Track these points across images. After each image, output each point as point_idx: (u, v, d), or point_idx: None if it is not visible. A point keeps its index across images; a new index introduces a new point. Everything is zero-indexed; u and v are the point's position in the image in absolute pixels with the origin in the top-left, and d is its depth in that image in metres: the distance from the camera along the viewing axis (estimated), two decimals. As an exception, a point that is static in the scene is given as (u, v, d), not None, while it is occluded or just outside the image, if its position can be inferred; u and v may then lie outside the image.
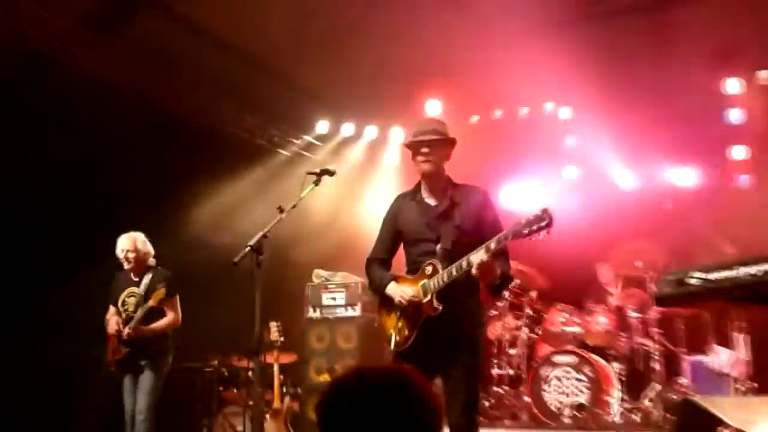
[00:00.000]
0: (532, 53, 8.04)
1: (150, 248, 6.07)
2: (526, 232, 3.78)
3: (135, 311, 5.85)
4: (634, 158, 8.38)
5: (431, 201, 4.29)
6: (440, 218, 4.20)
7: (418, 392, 1.79)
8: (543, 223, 3.73)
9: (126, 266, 6.01)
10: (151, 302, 5.76)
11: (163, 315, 5.91)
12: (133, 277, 6.03)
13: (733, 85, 7.81)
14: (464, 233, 4.10)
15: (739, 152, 7.99)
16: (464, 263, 3.92)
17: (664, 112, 7.92)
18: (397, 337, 4.16)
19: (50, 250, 7.03)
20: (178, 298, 5.99)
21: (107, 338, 6.01)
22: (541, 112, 8.65)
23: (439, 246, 4.13)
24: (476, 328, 4.24)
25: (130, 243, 5.97)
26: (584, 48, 7.70)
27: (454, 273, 3.96)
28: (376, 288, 4.36)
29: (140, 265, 6.00)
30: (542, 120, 8.69)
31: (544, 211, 3.75)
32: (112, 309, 6.09)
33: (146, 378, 5.78)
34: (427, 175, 4.31)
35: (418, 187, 4.36)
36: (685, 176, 8.21)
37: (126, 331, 5.74)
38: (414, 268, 4.24)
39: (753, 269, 2.91)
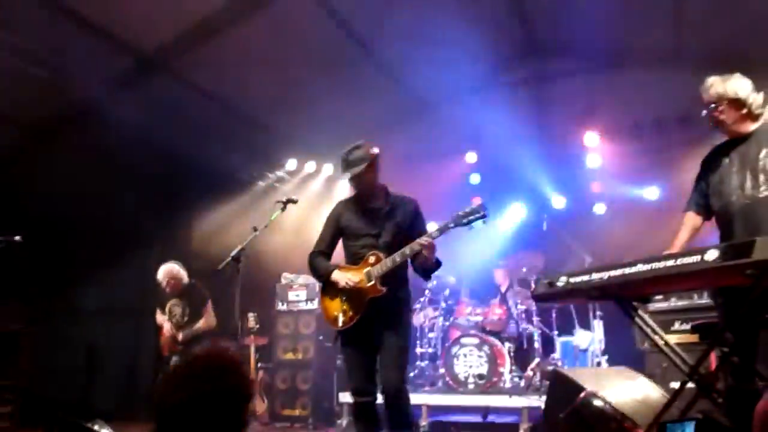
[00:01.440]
0: (454, 110, 8.28)
1: (182, 271, 6.08)
2: (465, 221, 3.64)
3: (182, 318, 5.96)
4: (523, 191, 8.43)
5: (371, 204, 4.02)
6: (382, 217, 3.96)
7: (228, 365, 1.72)
8: (479, 215, 3.62)
9: (167, 290, 6.05)
10: (202, 323, 5.88)
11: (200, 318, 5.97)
12: (174, 292, 6.09)
13: (591, 138, 7.94)
14: (402, 231, 3.87)
15: (596, 187, 8.12)
16: (407, 250, 3.72)
17: (546, 156, 8.02)
18: (343, 318, 3.88)
19: (87, 253, 7.09)
20: (210, 304, 6.02)
21: (159, 333, 6.12)
22: (454, 156, 8.67)
23: (381, 239, 3.89)
24: (408, 310, 4.07)
25: (168, 275, 6.03)
26: (491, 107, 7.98)
27: (398, 259, 3.75)
28: (321, 275, 4.02)
29: (178, 286, 6.05)
30: (455, 162, 8.72)
31: (480, 205, 3.62)
32: (159, 311, 6.15)
33: None
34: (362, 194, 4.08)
35: (359, 195, 4.08)
36: (558, 202, 8.26)
37: (180, 337, 5.86)
38: (356, 259, 3.94)
39: (602, 275, 3.02)
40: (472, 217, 3.63)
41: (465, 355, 6.71)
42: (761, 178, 3.32)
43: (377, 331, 3.80)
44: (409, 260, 3.90)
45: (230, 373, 1.73)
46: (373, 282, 3.80)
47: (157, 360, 6.61)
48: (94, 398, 7.46)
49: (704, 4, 6.38)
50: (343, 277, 3.88)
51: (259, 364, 7.02)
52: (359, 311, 3.84)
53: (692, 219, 3.65)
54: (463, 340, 6.79)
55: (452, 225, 3.69)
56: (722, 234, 3.49)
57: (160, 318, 6.13)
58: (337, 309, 3.94)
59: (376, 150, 4.01)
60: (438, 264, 3.93)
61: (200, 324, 5.91)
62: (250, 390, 1.78)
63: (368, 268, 3.85)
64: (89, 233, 7.46)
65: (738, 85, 3.44)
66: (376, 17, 6.56)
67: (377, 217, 3.98)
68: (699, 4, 6.41)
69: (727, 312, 3.37)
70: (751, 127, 3.47)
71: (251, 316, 6.80)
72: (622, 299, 3.19)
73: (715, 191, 3.52)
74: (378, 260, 3.83)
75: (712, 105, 3.46)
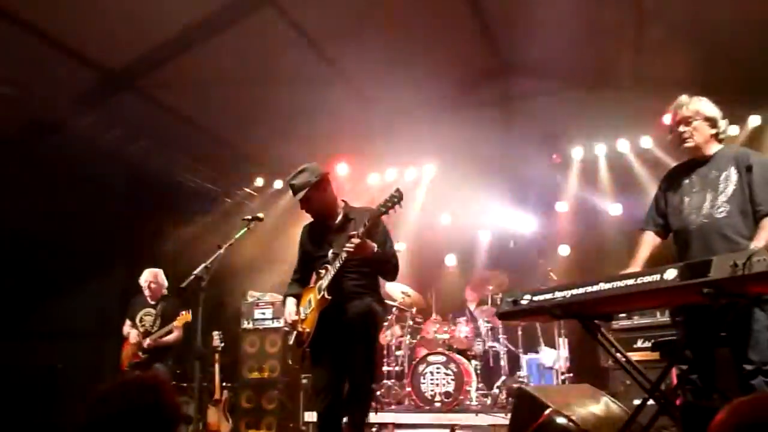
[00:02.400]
0: (417, 127, 8.34)
1: (165, 281, 6.17)
2: (384, 210, 3.65)
3: (152, 327, 5.92)
4: (490, 210, 8.50)
5: (328, 221, 4.04)
6: (335, 232, 3.97)
7: (148, 385, 1.66)
8: (395, 200, 3.63)
9: (147, 292, 6.08)
10: (176, 323, 5.83)
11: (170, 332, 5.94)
12: (150, 300, 6.10)
13: (555, 158, 8.03)
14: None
15: (562, 206, 8.25)
16: (343, 254, 3.69)
17: (511, 175, 8.10)
18: (303, 338, 3.89)
19: (48, 273, 6.94)
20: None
21: (123, 345, 6.04)
22: (421, 173, 8.69)
23: (330, 251, 3.88)
24: (374, 322, 3.92)
25: (152, 276, 6.15)
26: (458, 125, 8.04)
27: (338, 265, 3.73)
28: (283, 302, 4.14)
29: (157, 293, 6.10)
30: (422, 179, 8.72)
31: (396, 190, 3.66)
32: (128, 323, 6.09)
33: None
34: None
35: (315, 217, 4.12)
36: (524, 222, 8.32)
37: (147, 342, 5.83)
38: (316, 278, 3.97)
39: (564, 293, 3.04)
40: (389, 203, 3.65)
41: (432, 374, 6.69)
42: (720, 199, 3.42)
43: (339, 347, 3.76)
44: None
45: (149, 392, 1.65)
46: (321, 293, 3.79)
47: (117, 375, 6.47)
48: (53, 423, 7.23)
49: (665, 31, 6.57)
50: (289, 309, 4.00)
51: (223, 383, 6.92)
52: (312, 327, 3.84)
53: (650, 238, 3.72)
54: (430, 358, 6.76)
55: (375, 217, 3.70)
56: (680, 253, 3.55)
57: (127, 329, 6.07)
58: (301, 328, 3.96)
59: (322, 170, 4.02)
60: (386, 258, 3.90)
61: (170, 336, 5.90)
62: (172, 412, 1.68)
63: (320, 281, 3.86)
64: (52, 252, 7.28)
65: (710, 106, 3.58)
66: (345, 36, 6.59)
67: (331, 233, 3.99)
68: (659, 31, 6.60)
69: (686, 330, 3.44)
70: (714, 149, 3.58)
71: (216, 334, 6.71)
72: (584, 318, 3.22)
73: (675, 211, 3.60)
74: (327, 272, 3.83)
75: (689, 120, 3.54)
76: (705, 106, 3.56)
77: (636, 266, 3.55)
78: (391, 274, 4.08)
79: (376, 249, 3.78)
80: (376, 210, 3.69)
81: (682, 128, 3.57)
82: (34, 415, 7.09)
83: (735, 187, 3.41)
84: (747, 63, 6.20)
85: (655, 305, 4.88)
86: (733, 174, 3.44)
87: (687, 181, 3.60)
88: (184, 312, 5.84)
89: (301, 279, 4.16)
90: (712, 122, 3.55)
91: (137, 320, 6.08)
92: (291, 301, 4.06)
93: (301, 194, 3.90)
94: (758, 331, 3.19)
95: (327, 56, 6.99)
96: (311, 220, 4.22)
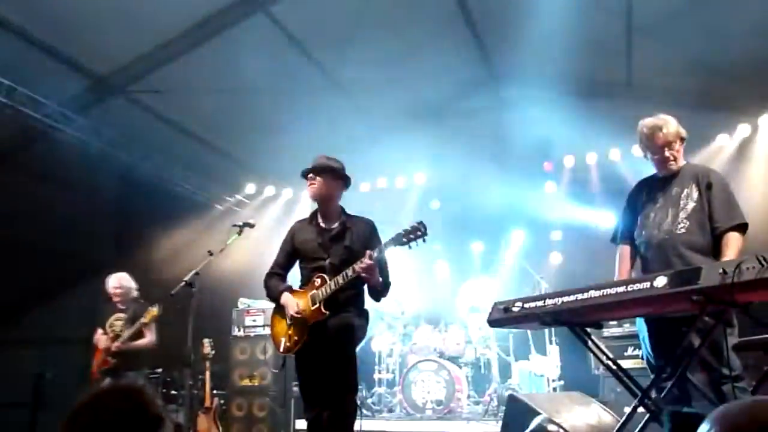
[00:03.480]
0: (406, 137, 8.36)
1: (132, 284, 5.93)
2: (405, 240, 3.56)
3: (121, 331, 5.67)
4: (482, 217, 8.48)
5: (325, 224, 3.89)
6: (332, 239, 3.83)
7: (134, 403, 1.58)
8: (419, 233, 3.53)
9: (115, 299, 5.85)
10: (144, 320, 5.55)
11: (142, 337, 5.73)
12: (119, 306, 5.87)
13: (548, 167, 8.06)
14: (352, 253, 3.69)
15: (552, 213, 8.13)
16: (349, 272, 3.58)
17: (503, 182, 8.03)
18: (288, 343, 3.77)
19: (41, 278, 6.87)
20: (155, 324, 5.77)
21: (94, 353, 5.81)
22: (412, 181, 8.68)
23: (328, 261, 3.76)
24: (353, 338, 3.75)
25: (116, 281, 5.88)
26: (448, 134, 8.08)
27: (341, 281, 3.61)
28: (273, 297, 3.93)
29: (125, 296, 5.87)
30: (413, 187, 8.75)
31: (420, 223, 3.55)
32: (99, 330, 5.86)
33: None
34: (314, 201, 3.97)
35: (315, 214, 3.98)
36: (516, 228, 8.28)
37: (115, 345, 5.58)
38: (306, 282, 3.84)
39: (555, 301, 3.04)
40: (412, 236, 3.55)
41: (423, 381, 6.69)
42: (680, 216, 3.52)
43: (323, 360, 3.64)
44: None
45: (127, 399, 1.60)
46: (317, 305, 3.68)
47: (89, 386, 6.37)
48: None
49: (654, 41, 6.62)
50: (291, 303, 3.78)
51: (214, 391, 6.87)
52: (303, 337, 3.72)
53: (627, 251, 3.79)
54: (421, 366, 6.76)
55: (393, 245, 3.60)
56: (642, 266, 3.65)
57: (98, 336, 5.85)
58: (283, 333, 3.83)
59: (343, 168, 3.95)
60: (386, 286, 3.79)
61: (141, 341, 5.70)
62: (153, 416, 1.59)
63: (313, 291, 3.73)
64: (41, 258, 7.24)
65: (679, 125, 3.65)
66: (336, 42, 6.61)
67: (327, 239, 3.85)
68: (650, 42, 6.65)
69: (655, 338, 3.52)
70: (678, 166, 3.67)
71: (207, 341, 6.67)
72: (574, 325, 3.23)
73: (640, 225, 3.70)
74: (323, 283, 3.70)
75: (672, 144, 3.62)
76: (678, 125, 3.65)
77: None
78: (381, 297, 3.92)
79: (381, 281, 3.71)
80: (397, 238, 3.59)
81: (667, 152, 3.62)
82: (21, 424, 7.03)
83: (695, 204, 3.51)
84: (737, 72, 6.25)
85: (646, 313, 4.84)
86: (693, 191, 3.54)
87: (652, 195, 3.71)
88: (151, 308, 5.60)
89: (284, 277, 4.02)
90: (683, 141, 3.67)
91: (107, 326, 5.86)
92: (288, 296, 3.86)
93: (316, 168, 3.83)
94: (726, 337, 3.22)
95: (318, 64, 7.00)
96: (303, 218, 4.11)
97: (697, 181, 3.56)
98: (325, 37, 6.52)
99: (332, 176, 3.88)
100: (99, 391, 1.64)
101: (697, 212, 3.49)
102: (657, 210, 3.64)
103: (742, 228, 3.45)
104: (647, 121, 3.68)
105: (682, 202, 3.55)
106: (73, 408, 1.60)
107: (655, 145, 3.65)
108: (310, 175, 3.87)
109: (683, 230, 3.49)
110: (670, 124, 3.63)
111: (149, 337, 5.79)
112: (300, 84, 7.10)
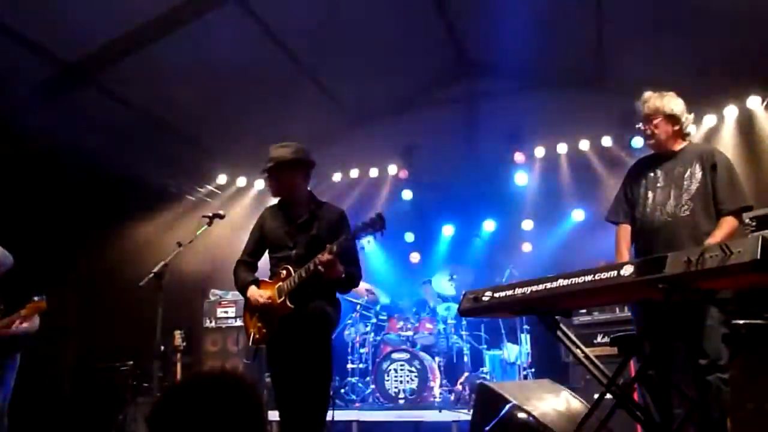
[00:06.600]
0: (381, 128, 8.37)
1: (10, 260, 5.01)
2: (362, 234, 3.48)
3: None
4: (454, 206, 8.52)
5: (293, 213, 3.81)
6: (299, 227, 3.74)
7: (241, 390, 1.50)
8: (375, 228, 3.44)
9: None
10: (24, 312, 4.90)
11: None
12: None
13: (520, 157, 8.03)
14: (319, 243, 3.57)
15: (524, 204, 8.20)
16: (311, 265, 3.49)
17: (476, 173, 8.08)
18: (256, 335, 3.73)
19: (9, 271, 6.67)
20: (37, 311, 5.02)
21: None
22: (385, 172, 8.67)
23: (293, 252, 3.69)
24: (327, 326, 3.67)
25: None
26: (424, 123, 8.08)
27: (304, 275, 3.52)
28: (239, 289, 3.87)
29: None
30: (387, 178, 8.70)
31: (379, 215, 3.45)
32: None
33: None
34: (276, 197, 3.89)
35: (284, 201, 3.91)
36: (488, 218, 8.33)
37: None
38: (273, 273, 3.78)
39: (525, 290, 3.04)
40: (370, 230, 3.46)
41: (396, 371, 6.73)
42: (684, 197, 3.49)
43: (294, 349, 3.56)
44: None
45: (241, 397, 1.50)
46: (282, 298, 3.61)
47: None
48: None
49: (625, 31, 6.69)
50: (256, 294, 3.72)
51: (185, 383, 6.82)
52: (271, 330, 3.67)
53: (628, 230, 3.73)
54: (394, 356, 6.80)
55: (351, 238, 3.50)
56: (641, 248, 3.62)
57: None
58: (253, 325, 3.78)
59: (306, 155, 3.82)
60: (349, 279, 3.68)
61: (19, 324, 4.89)
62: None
63: (279, 283, 3.66)
64: (8, 251, 7.07)
65: (674, 102, 3.63)
66: (310, 31, 6.56)
67: (294, 228, 3.77)
68: (619, 31, 6.72)
69: (644, 324, 3.50)
70: (679, 146, 3.65)
71: (178, 333, 6.60)
72: (544, 313, 3.26)
73: (639, 204, 3.65)
74: (288, 275, 3.63)
75: (650, 118, 3.61)
76: (667, 102, 3.60)
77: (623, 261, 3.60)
78: (348, 289, 3.87)
79: (343, 275, 3.59)
80: (355, 232, 3.49)
81: (644, 125, 3.64)
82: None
83: (699, 184, 3.48)
84: (709, 61, 6.33)
85: (614, 301, 4.96)
86: (697, 171, 3.51)
87: (652, 174, 3.66)
88: (36, 298, 4.98)
89: (253, 264, 3.94)
90: (673, 119, 3.61)
91: None
92: (254, 289, 3.79)
93: (270, 168, 3.73)
94: (711, 326, 3.27)
95: (291, 53, 6.94)
96: (275, 204, 4.01)
97: (702, 161, 3.52)
98: (298, 26, 6.47)
99: (289, 168, 3.75)
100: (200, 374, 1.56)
101: (701, 193, 3.46)
102: (659, 189, 3.59)
103: (745, 210, 3.46)
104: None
105: (685, 183, 3.51)
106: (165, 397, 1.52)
107: (639, 118, 3.67)
108: (266, 174, 3.80)
109: (687, 213, 3.46)
110: (653, 98, 3.61)
111: (31, 322, 5.03)
112: (273, 74, 7.03)
